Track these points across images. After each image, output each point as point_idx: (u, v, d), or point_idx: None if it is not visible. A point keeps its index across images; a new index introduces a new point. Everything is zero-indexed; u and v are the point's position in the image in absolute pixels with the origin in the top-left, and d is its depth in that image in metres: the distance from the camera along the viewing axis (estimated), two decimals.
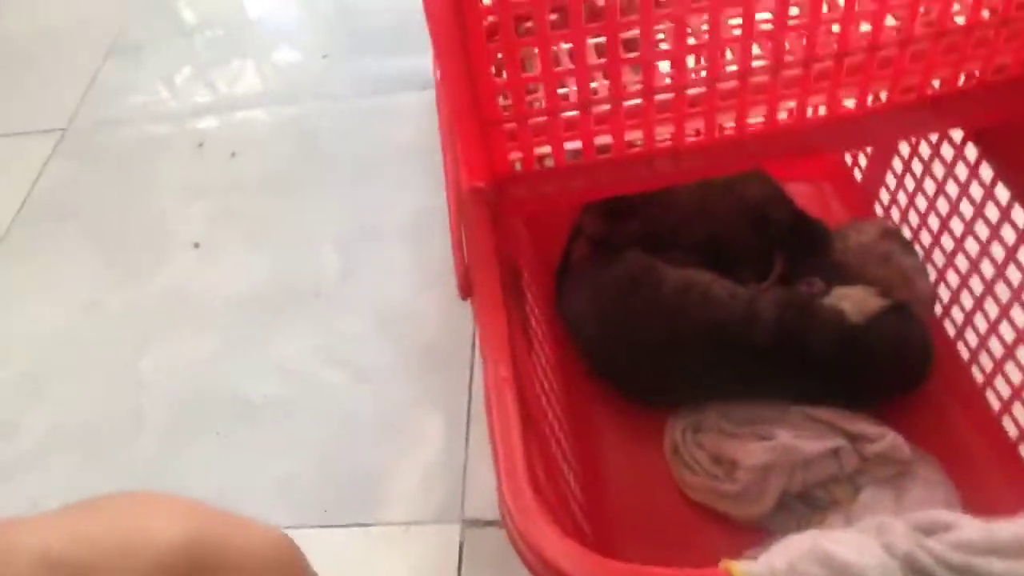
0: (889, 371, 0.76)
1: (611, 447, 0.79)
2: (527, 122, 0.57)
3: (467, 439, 0.84)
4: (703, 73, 0.56)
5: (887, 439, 0.72)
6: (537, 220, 0.87)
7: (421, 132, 1.18)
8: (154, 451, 0.89)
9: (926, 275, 0.82)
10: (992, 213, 0.73)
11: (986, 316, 0.75)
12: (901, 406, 0.76)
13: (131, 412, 0.93)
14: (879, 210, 0.91)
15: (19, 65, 1.50)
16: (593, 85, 0.57)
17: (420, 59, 1.21)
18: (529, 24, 0.53)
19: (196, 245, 1.09)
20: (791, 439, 0.72)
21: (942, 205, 0.79)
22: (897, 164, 0.87)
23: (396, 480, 0.83)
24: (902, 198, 0.87)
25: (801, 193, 0.91)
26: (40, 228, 1.17)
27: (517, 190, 0.61)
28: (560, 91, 0.57)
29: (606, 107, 0.56)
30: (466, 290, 0.55)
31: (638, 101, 0.56)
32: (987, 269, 0.74)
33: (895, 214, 0.88)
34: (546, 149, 0.59)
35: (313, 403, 0.90)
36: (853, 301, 0.78)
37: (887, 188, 0.90)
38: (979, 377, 0.77)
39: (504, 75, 0.54)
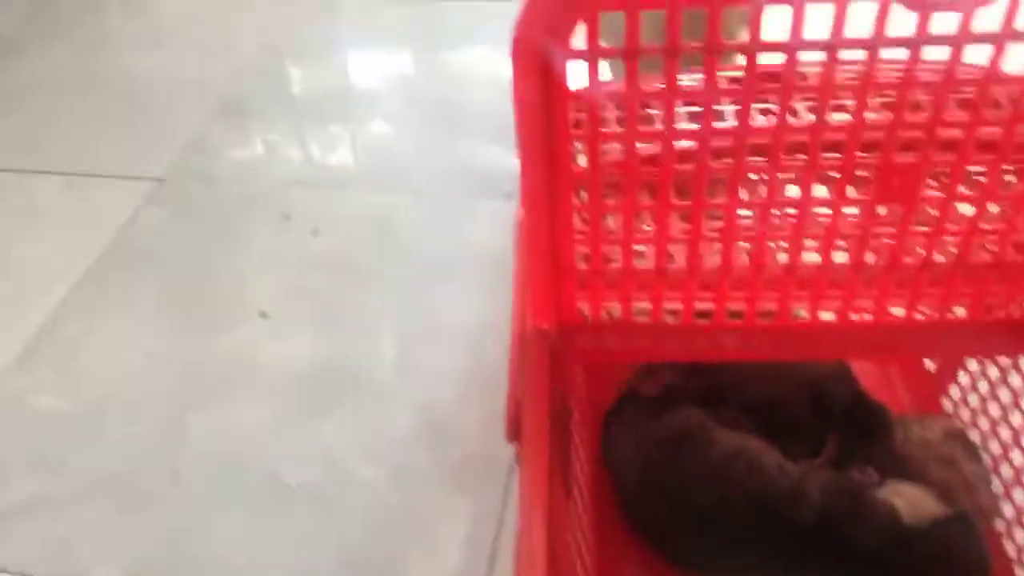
0: None
1: None
2: (598, 277, 0.57)
3: (490, 568, 0.82)
4: (781, 258, 0.56)
5: None
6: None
7: (499, 241, 1.21)
8: (184, 514, 0.90)
9: (991, 487, 0.78)
10: None
11: None
12: None
13: (170, 469, 0.94)
14: (948, 406, 0.88)
15: (132, 109, 1.60)
16: (671, 249, 0.57)
17: (511, 166, 1.25)
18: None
19: (264, 315, 1.12)
20: None
21: (1016, 419, 0.76)
22: (972, 363, 0.84)
23: None
24: (973, 400, 0.84)
25: (867, 374, 0.89)
26: (121, 271, 1.22)
27: (581, 338, 0.61)
28: (637, 248, 0.58)
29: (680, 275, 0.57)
30: (513, 434, 0.55)
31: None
32: None
33: (964, 414, 0.85)
34: (615, 304, 0.60)
35: (344, 496, 0.90)
36: (908, 500, 0.75)
37: (959, 385, 0.87)
38: None
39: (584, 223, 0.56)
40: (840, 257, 0.56)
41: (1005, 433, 0.78)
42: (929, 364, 0.93)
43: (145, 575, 0.84)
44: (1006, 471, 0.78)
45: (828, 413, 0.84)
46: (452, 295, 1.13)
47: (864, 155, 0.50)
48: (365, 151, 1.48)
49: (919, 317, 0.58)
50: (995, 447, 0.80)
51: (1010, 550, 0.76)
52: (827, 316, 0.58)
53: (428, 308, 1.12)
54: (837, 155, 0.50)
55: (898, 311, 0.59)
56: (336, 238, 1.26)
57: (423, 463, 0.93)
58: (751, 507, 0.74)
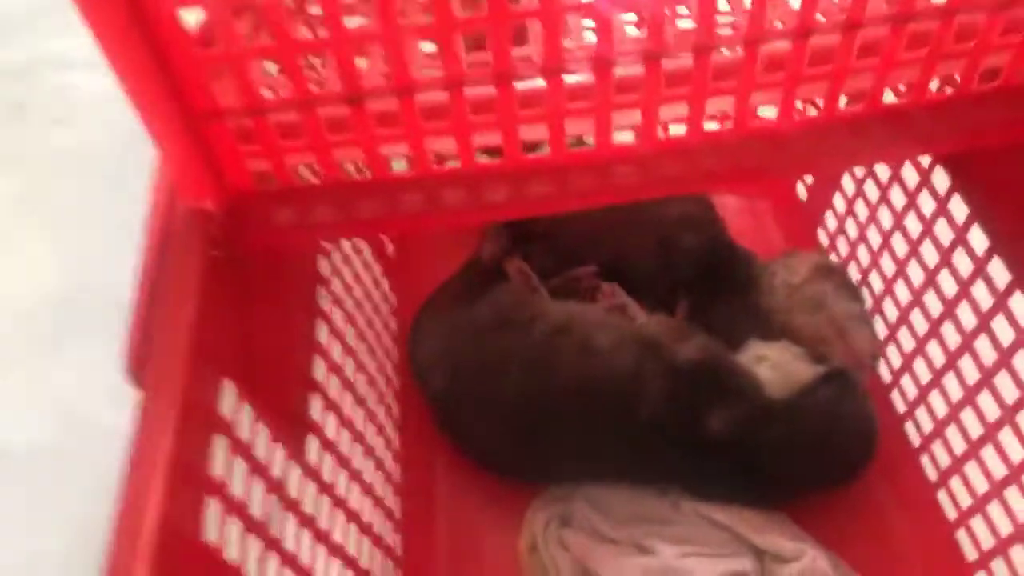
0: (816, 461, 0.58)
1: (455, 533, 0.61)
2: (265, 117, 0.36)
3: None
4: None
5: (806, 559, 0.54)
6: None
7: None
8: None
9: (868, 325, 0.63)
10: (963, 263, 0.55)
11: (945, 395, 0.57)
12: (827, 504, 0.59)
13: None
14: (824, 239, 0.73)
15: None
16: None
17: None
18: None
19: None
20: (676, 558, 0.54)
21: (899, 244, 0.61)
22: (848, 184, 0.68)
23: None
24: (851, 228, 0.68)
25: (730, 210, 0.73)
26: None
27: (277, 215, 0.41)
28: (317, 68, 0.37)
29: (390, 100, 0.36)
30: (137, 371, 0.35)
31: (443, 95, 0.36)
32: (950, 335, 0.56)
33: (842, 247, 0.70)
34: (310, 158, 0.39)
35: (86, 454, 0.68)
36: (774, 364, 0.60)
37: (834, 212, 0.71)
38: (932, 474, 0.59)
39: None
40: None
41: (888, 264, 0.63)
42: (802, 192, 0.77)
43: None
44: (890, 310, 0.63)
45: (675, 266, 0.67)
46: None
47: None
48: None
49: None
50: (877, 282, 0.64)
51: (899, 406, 0.63)
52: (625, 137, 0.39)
53: None
54: None
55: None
56: (83, 127, 0.99)
57: None
58: (581, 396, 0.58)
